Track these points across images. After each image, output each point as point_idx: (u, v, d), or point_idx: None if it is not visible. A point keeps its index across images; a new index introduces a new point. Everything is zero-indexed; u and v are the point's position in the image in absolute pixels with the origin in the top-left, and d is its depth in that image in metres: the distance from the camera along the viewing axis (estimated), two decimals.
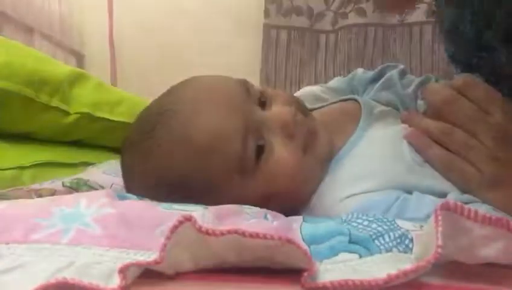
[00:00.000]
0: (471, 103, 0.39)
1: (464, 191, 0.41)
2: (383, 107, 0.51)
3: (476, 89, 0.40)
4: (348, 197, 0.42)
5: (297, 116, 0.45)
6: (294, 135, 0.44)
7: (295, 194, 0.44)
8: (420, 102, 0.47)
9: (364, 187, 0.42)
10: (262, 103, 0.46)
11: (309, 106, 0.55)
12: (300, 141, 0.44)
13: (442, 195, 0.41)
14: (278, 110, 0.45)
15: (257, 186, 0.42)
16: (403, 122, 0.46)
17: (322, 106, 0.56)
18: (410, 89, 0.50)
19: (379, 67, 0.59)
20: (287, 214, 0.39)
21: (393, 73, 0.55)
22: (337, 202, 0.43)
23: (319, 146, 0.46)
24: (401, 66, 0.56)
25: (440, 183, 0.42)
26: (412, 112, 0.47)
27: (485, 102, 0.39)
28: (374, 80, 0.58)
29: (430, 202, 0.40)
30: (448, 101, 0.40)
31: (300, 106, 0.48)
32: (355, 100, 0.53)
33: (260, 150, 0.42)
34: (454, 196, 0.40)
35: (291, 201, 0.44)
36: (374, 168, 0.44)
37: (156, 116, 0.44)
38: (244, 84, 0.46)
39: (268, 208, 0.37)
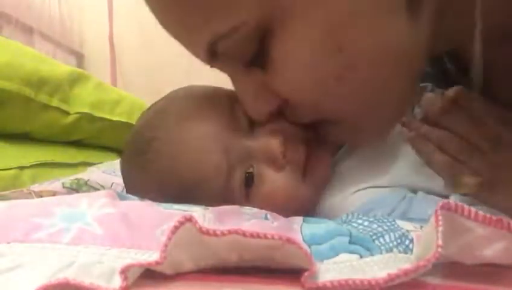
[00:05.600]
0: (465, 111, 0.41)
1: (464, 194, 0.42)
2: None
3: (469, 99, 0.42)
4: (356, 191, 0.43)
5: (289, 143, 0.42)
6: (284, 167, 0.42)
7: (292, 213, 0.43)
8: (417, 110, 0.49)
9: (372, 183, 0.43)
10: (251, 124, 0.44)
11: None
12: (296, 171, 0.43)
13: (445, 197, 0.42)
14: (266, 140, 0.42)
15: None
16: (403, 126, 0.47)
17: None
18: None
19: None
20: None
21: None
22: (347, 195, 0.43)
23: (319, 172, 0.45)
24: None
25: (442, 185, 0.43)
26: (411, 119, 0.48)
27: (477, 110, 0.41)
28: None
29: (434, 202, 0.41)
30: (444, 110, 0.42)
31: (293, 130, 0.43)
32: None
33: (249, 181, 0.42)
34: (456, 198, 0.41)
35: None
36: (383, 165, 0.45)
37: (144, 145, 0.44)
38: (231, 101, 0.44)
39: None
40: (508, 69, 0.43)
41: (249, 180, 0.42)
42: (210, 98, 0.45)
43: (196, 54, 0.38)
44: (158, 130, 0.44)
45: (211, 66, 0.39)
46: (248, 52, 0.35)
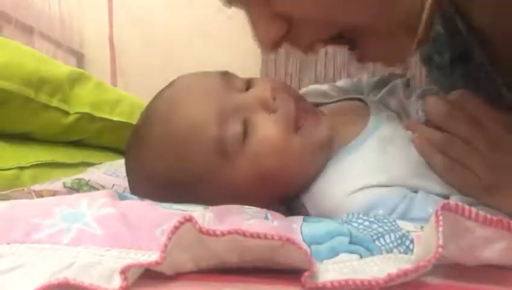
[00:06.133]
0: (468, 115, 0.42)
1: (464, 195, 0.43)
2: (389, 112, 0.51)
3: (471, 102, 0.43)
4: (357, 190, 0.42)
5: (279, 93, 0.44)
6: (275, 109, 0.43)
7: (286, 175, 0.43)
8: (421, 113, 0.49)
9: (375, 181, 0.43)
10: (245, 89, 0.46)
11: (316, 100, 0.55)
12: (286, 115, 0.44)
13: (446, 197, 0.42)
14: (256, 90, 0.45)
15: (245, 169, 0.42)
16: (407, 129, 0.48)
17: (330, 102, 0.56)
18: (412, 99, 0.51)
19: (386, 75, 0.60)
20: (289, 211, 0.39)
21: (398, 82, 0.55)
22: (346, 194, 0.43)
23: (316, 129, 0.45)
24: (407, 77, 0.57)
25: (444, 186, 0.43)
26: (414, 121, 0.48)
27: (479, 114, 0.42)
28: (378, 86, 0.58)
29: (435, 202, 0.41)
30: (447, 114, 0.43)
31: (285, 88, 0.47)
32: (362, 100, 0.54)
33: (244, 131, 0.42)
34: (457, 198, 0.42)
35: (286, 186, 0.44)
36: (385, 163, 0.45)
37: (142, 118, 0.47)
38: (225, 75, 0.46)
39: (265, 198, 0.37)
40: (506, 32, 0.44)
41: (243, 129, 0.42)
42: (203, 73, 0.48)
43: None
44: (155, 102, 0.47)
45: (227, 3, 0.43)
46: None
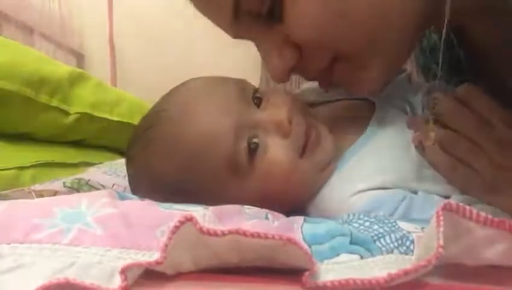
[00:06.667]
0: (474, 113, 0.42)
1: (466, 195, 0.42)
2: (393, 109, 0.51)
3: (478, 99, 0.42)
4: (358, 192, 0.43)
5: (294, 115, 0.44)
6: (289, 134, 0.44)
7: (292, 196, 0.44)
8: (426, 110, 0.49)
9: (374, 183, 0.43)
10: (258, 102, 0.46)
11: (314, 99, 0.55)
12: (297, 142, 0.44)
13: (446, 197, 0.42)
14: (273, 111, 0.45)
15: (253, 187, 0.42)
16: (409, 127, 0.47)
17: (329, 101, 0.56)
18: (418, 96, 0.51)
19: None
20: (290, 213, 0.39)
21: (401, 78, 0.55)
22: (346, 197, 0.43)
23: (319, 152, 0.45)
24: (408, 71, 0.57)
25: (445, 186, 0.43)
26: (417, 119, 0.48)
27: (486, 112, 0.42)
28: None
29: (436, 203, 0.41)
30: (452, 111, 0.42)
31: (298, 106, 0.47)
32: (365, 99, 0.54)
33: (254, 150, 0.42)
34: (458, 199, 0.41)
35: (290, 203, 0.44)
36: (384, 166, 0.45)
37: (151, 118, 0.46)
38: (240, 84, 0.46)
39: (270, 209, 0.37)
40: (499, 42, 0.45)
41: (254, 149, 0.42)
42: (219, 79, 0.47)
43: (222, 17, 0.42)
44: (168, 104, 0.46)
45: (235, 34, 0.44)
46: (265, 2, 0.39)
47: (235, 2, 0.39)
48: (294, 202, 0.45)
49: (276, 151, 0.43)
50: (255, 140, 0.43)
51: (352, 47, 0.41)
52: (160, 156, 0.43)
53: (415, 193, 0.43)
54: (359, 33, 0.40)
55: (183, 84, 0.48)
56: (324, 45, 0.41)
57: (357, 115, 0.51)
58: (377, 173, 0.44)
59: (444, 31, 0.38)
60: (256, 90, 0.47)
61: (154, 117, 0.46)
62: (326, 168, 0.46)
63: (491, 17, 0.44)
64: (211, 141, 0.41)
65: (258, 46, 0.44)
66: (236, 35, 0.44)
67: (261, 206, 0.38)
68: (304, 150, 0.44)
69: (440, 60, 0.40)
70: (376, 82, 0.45)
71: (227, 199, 0.38)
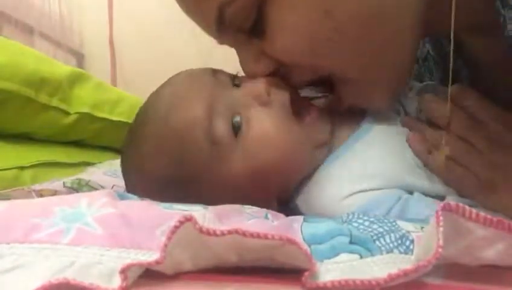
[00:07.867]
0: (466, 112, 0.42)
1: (461, 195, 0.42)
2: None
3: (469, 99, 0.42)
4: (349, 195, 0.42)
5: (272, 86, 0.44)
6: (269, 102, 0.43)
7: (284, 169, 0.43)
8: (419, 111, 0.49)
9: (366, 185, 0.42)
10: (239, 84, 0.46)
11: (308, 94, 0.55)
12: (282, 108, 0.43)
13: (441, 198, 0.42)
14: (251, 85, 0.44)
15: (240, 164, 0.42)
16: (404, 126, 0.47)
17: (322, 96, 0.56)
18: (410, 95, 0.51)
19: None
20: (287, 213, 0.39)
21: None
22: (337, 200, 0.42)
23: (317, 124, 0.45)
24: None
25: (439, 186, 0.43)
26: (413, 119, 0.48)
27: (478, 111, 0.42)
28: None
29: (431, 204, 0.41)
30: (444, 111, 0.42)
31: (277, 80, 0.45)
32: None
33: (238, 127, 0.42)
34: (453, 198, 0.42)
35: (281, 182, 0.44)
36: (376, 166, 0.44)
37: (140, 117, 0.47)
38: (218, 71, 0.47)
39: (261, 195, 0.37)
40: (495, 60, 0.45)
41: (238, 126, 0.42)
42: (200, 70, 0.48)
43: (206, 25, 0.43)
44: (153, 101, 0.47)
45: (219, 41, 0.45)
46: (249, 19, 0.40)
47: (218, 14, 0.40)
48: (287, 180, 0.45)
49: (260, 121, 0.42)
50: (237, 118, 0.42)
51: (343, 70, 0.41)
52: (150, 153, 0.44)
53: (410, 193, 0.43)
54: (348, 57, 0.40)
55: (167, 80, 0.49)
56: (307, 68, 0.42)
57: (351, 111, 0.51)
58: (369, 174, 0.43)
59: (452, 33, 0.37)
60: (235, 75, 0.47)
61: (139, 117, 0.47)
62: (321, 147, 0.45)
63: (490, 32, 0.44)
64: (188, 126, 0.42)
65: (237, 53, 0.45)
66: (220, 42, 0.45)
67: (252, 189, 0.38)
68: (299, 116, 0.44)
69: (451, 59, 0.39)
70: (381, 99, 0.45)
71: (217, 185, 0.39)
